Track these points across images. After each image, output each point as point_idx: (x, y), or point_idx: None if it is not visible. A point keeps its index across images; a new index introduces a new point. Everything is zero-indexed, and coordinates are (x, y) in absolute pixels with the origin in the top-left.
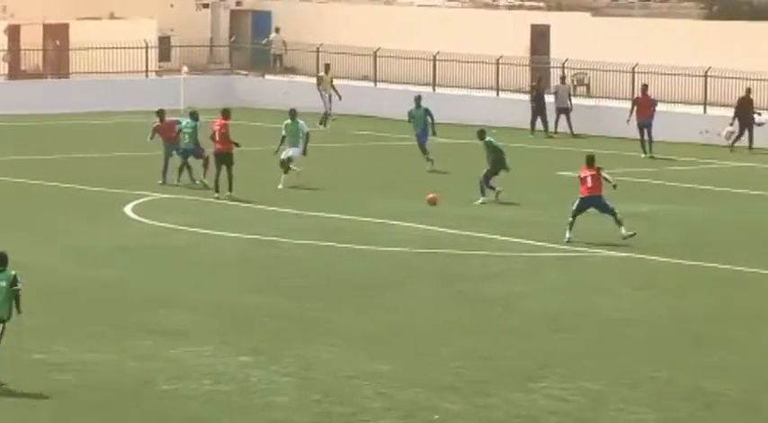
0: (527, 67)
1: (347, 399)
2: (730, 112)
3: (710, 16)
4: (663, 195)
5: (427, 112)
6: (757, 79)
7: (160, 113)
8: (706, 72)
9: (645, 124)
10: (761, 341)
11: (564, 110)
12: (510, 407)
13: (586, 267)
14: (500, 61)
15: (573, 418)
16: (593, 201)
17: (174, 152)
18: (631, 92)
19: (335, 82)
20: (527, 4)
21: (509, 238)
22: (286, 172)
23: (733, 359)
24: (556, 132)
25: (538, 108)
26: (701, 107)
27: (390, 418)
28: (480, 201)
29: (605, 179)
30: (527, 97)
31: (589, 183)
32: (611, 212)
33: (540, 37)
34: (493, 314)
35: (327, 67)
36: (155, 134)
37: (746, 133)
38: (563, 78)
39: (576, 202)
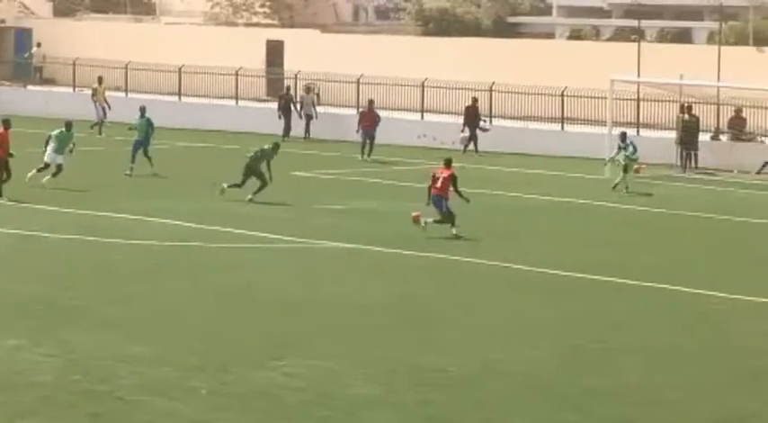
0: (263, 79)
1: (106, 378)
2: (446, 119)
3: (427, 32)
4: (385, 193)
5: (149, 122)
6: (463, 88)
7: None
8: (423, 83)
9: (368, 134)
10: (476, 322)
11: (308, 116)
12: (251, 383)
13: (317, 257)
14: (239, 73)
15: (310, 393)
16: (436, 199)
17: None
18: (357, 100)
19: (107, 93)
20: (263, 21)
21: (247, 232)
22: (54, 175)
23: (451, 338)
24: (306, 137)
25: (285, 116)
26: (419, 114)
27: (145, 394)
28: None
29: (458, 193)
30: (268, 105)
31: (438, 183)
32: (445, 214)
33: (274, 51)
34: (234, 300)
35: (101, 79)
36: None
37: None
38: (307, 88)
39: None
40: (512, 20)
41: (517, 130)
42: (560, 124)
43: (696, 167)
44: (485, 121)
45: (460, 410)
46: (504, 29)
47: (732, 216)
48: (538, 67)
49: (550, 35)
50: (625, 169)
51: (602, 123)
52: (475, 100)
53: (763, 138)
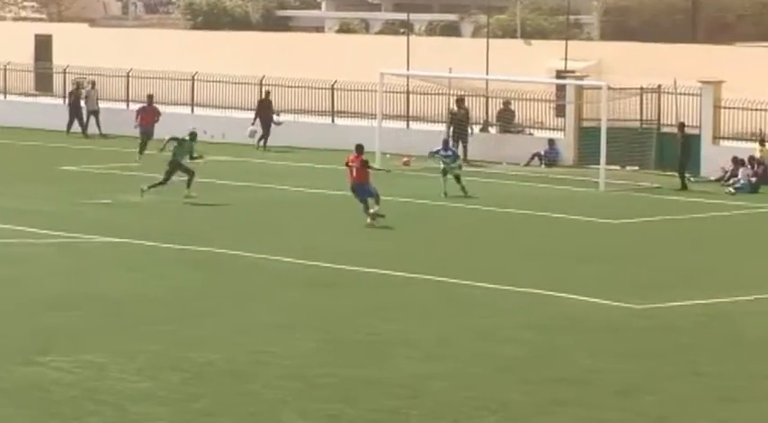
0: (32, 73)
1: None
2: (216, 113)
3: (196, 26)
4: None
5: None
6: (233, 82)
7: None
8: (193, 77)
9: (146, 131)
10: (243, 314)
11: (94, 112)
12: (20, 379)
13: (85, 252)
14: (7, 67)
15: (79, 387)
16: (357, 187)
17: None
18: (126, 94)
19: None
20: (31, 15)
21: (14, 227)
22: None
23: (219, 332)
24: (85, 133)
25: (74, 111)
26: (190, 108)
27: None
28: None
29: (371, 167)
30: (37, 100)
31: (354, 173)
32: (373, 195)
33: (43, 46)
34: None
35: None
36: None
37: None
38: (93, 83)
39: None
40: (281, 13)
41: (288, 124)
42: (331, 117)
43: (466, 160)
44: (278, 114)
45: (230, 403)
46: (273, 23)
47: (511, 208)
48: (308, 61)
49: (320, 29)
50: (444, 173)
51: (373, 116)
52: (267, 93)
53: (530, 130)
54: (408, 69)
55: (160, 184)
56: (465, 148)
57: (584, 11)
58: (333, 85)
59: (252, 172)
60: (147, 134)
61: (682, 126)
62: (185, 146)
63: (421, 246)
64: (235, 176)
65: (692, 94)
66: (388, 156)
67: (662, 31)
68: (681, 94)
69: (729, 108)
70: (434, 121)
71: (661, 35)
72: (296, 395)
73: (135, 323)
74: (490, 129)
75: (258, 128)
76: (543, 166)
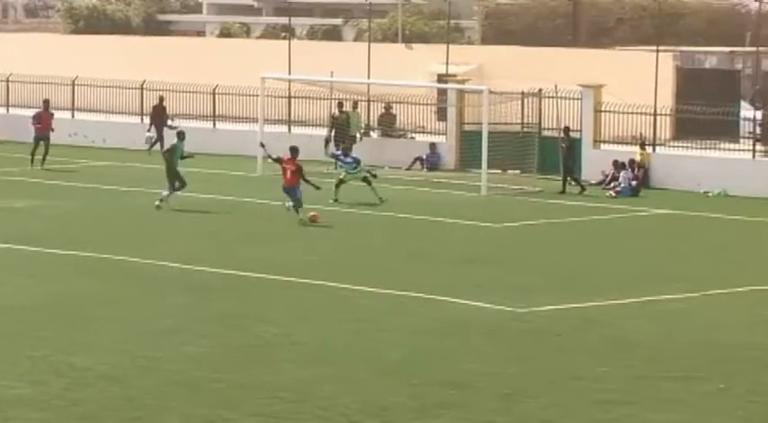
0: None
1: None
2: (97, 117)
3: (77, 30)
4: (42, 192)
5: None
6: (114, 87)
7: None
8: (73, 81)
9: (42, 137)
10: (127, 320)
11: None
12: None
13: None
14: None
15: None
16: (288, 189)
17: None
18: (6, 99)
19: None
20: None
21: None
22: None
23: (102, 337)
24: None
25: None
26: (70, 112)
27: None
28: None
29: (306, 180)
30: None
31: (288, 175)
32: (297, 200)
33: None
34: None
35: None
36: None
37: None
38: None
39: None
40: (162, 18)
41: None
42: (212, 122)
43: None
44: (171, 119)
45: (111, 408)
46: (154, 27)
47: (393, 212)
48: (189, 65)
49: (201, 33)
50: (341, 182)
51: (254, 120)
52: (161, 99)
53: (412, 134)
54: (290, 73)
55: (174, 190)
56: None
57: (465, 15)
58: (214, 90)
59: (137, 178)
60: (42, 139)
61: (567, 130)
62: (177, 150)
63: (303, 251)
64: (120, 181)
65: (573, 99)
66: (269, 160)
67: (543, 35)
68: (562, 97)
69: (609, 112)
70: (316, 125)
71: (542, 39)
72: (180, 400)
73: (18, 329)
74: (372, 133)
75: (155, 134)
76: (425, 169)
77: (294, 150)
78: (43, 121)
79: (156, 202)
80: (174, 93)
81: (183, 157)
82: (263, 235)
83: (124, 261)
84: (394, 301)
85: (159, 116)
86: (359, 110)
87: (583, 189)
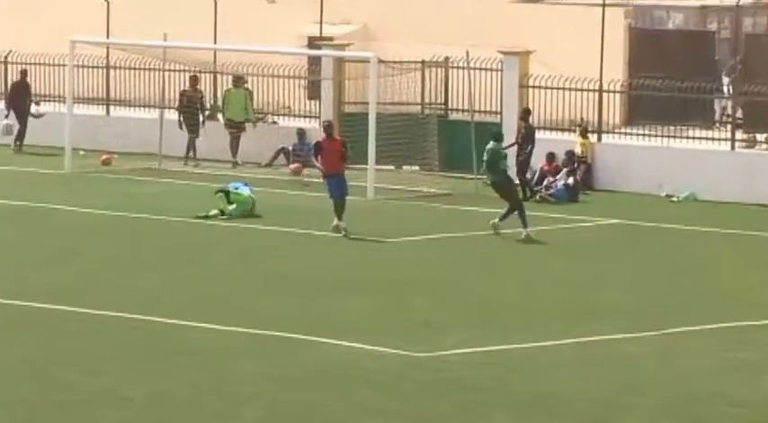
0: None
1: None
2: None
3: None
4: None
5: None
6: None
7: None
8: None
9: None
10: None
11: None
12: None
13: None
14: None
15: None
16: (338, 181)
17: None
18: None
19: None
20: None
21: None
22: None
23: None
24: None
25: None
26: None
27: None
28: None
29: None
30: None
31: (335, 160)
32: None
33: None
34: None
35: None
36: None
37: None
38: None
39: None
40: None
41: None
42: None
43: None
44: (37, 103)
45: None
46: None
47: (246, 223)
48: None
49: None
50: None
51: (61, 99)
52: (24, 73)
53: (274, 117)
54: (108, 37)
55: None
56: (193, 141)
57: None
58: (5, 58)
59: None
60: None
61: (526, 112)
62: None
63: (131, 275)
64: None
65: (491, 69)
66: (81, 153)
67: None
68: (475, 68)
69: (539, 88)
70: (145, 106)
71: None
72: None
73: None
74: (219, 116)
75: (14, 121)
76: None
77: (329, 126)
78: None
79: None
80: None
81: None
82: (61, 254)
83: None
84: (248, 341)
85: (19, 97)
86: (248, 85)
87: (532, 194)
